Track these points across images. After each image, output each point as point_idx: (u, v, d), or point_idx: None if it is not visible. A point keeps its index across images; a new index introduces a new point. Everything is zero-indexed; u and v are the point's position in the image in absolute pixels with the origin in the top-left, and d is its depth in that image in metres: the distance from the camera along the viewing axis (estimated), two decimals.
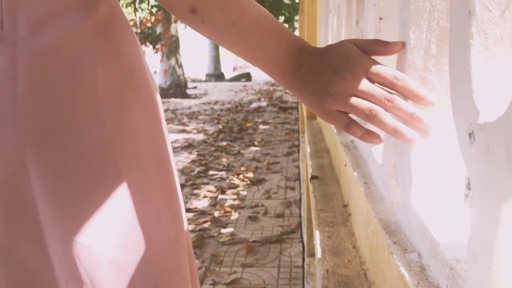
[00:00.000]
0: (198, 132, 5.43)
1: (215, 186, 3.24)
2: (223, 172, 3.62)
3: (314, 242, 0.77)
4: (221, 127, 5.69)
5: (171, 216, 0.54)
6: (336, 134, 1.05)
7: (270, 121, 6.12)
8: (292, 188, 3.16)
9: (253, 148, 4.48)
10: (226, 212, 2.73)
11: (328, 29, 1.67)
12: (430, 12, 0.47)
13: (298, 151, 4.20)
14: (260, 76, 15.20)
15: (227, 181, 3.38)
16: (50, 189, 0.45)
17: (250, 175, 3.52)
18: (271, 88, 10.87)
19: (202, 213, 2.74)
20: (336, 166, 1.08)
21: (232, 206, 2.82)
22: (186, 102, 8.51)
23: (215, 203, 2.90)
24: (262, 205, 2.84)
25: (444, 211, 0.45)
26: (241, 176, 3.46)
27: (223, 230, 2.47)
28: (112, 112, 0.47)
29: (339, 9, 1.37)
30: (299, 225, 2.50)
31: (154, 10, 8.23)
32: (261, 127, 5.69)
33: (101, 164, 0.47)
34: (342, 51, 0.49)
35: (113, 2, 0.50)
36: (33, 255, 0.47)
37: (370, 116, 0.46)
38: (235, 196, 3.03)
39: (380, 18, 0.64)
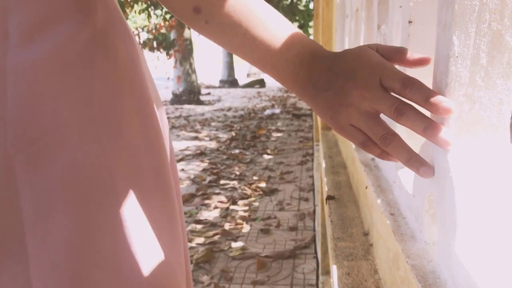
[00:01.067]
0: (211, 139, 5.37)
1: (227, 197, 3.15)
2: (235, 182, 3.53)
3: (331, 279, 0.68)
4: (234, 134, 5.62)
5: (171, 236, 0.49)
6: (355, 150, 0.95)
7: (284, 128, 6.02)
8: (306, 199, 3.05)
9: (266, 157, 4.39)
10: (237, 224, 2.63)
11: (345, 35, 1.57)
12: (480, 13, 0.37)
13: (312, 160, 4.09)
14: (274, 83, 15.13)
15: (239, 191, 3.29)
16: (40, 204, 0.41)
17: (263, 185, 3.42)
18: (285, 95, 10.78)
19: (213, 225, 2.65)
20: (354, 185, 0.99)
21: (243, 218, 2.73)
22: (199, 109, 8.46)
23: (226, 214, 2.81)
24: (275, 217, 2.74)
25: (504, 267, 0.36)
26: (253, 186, 3.37)
27: (233, 244, 2.37)
28: (108, 124, 0.44)
29: (357, 13, 1.27)
30: (313, 240, 2.40)
31: (168, 16, 8.22)
32: (275, 134, 5.59)
33: (95, 177, 0.43)
34: (359, 56, 0.45)
35: (112, 9, 0.48)
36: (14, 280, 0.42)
37: (385, 142, 0.42)
38: (246, 207, 2.93)
39: (410, 22, 0.54)
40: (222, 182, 3.53)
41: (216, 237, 2.47)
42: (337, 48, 1.67)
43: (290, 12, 13.27)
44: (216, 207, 2.95)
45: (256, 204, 3.01)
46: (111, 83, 0.45)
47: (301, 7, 14.24)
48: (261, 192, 3.24)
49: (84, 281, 0.42)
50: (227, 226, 2.63)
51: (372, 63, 0.43)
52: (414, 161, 0.41)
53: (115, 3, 0.49)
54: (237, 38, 0.46)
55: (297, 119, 6.84)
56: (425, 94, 0.40)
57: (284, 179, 3.57)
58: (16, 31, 0.40)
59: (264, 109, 8.08)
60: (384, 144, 0.42)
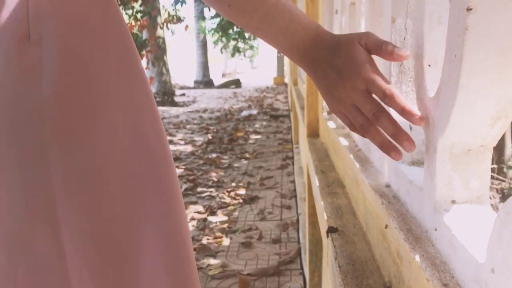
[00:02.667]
0: (186, 143, 5.15)
1: (204, 206, 2.96)
2: (212, 189, 3.34)
3: None
4: (210, 137, 5.41)
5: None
6: (360, 170, 0.78)
7: (262, 130, 5.85)
8: (289, 207, 2.89)
9: (245, 161, 4.21)
10: (216, 237, 2.45)
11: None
12: None
13: (293, 164, 3.94)
14: (249, 83, 14.98)
15: (217, 199, 3.10)
16: (71, 187, 0.47)
17: (242, 192, 3.24)
18: (262, 95, 10.62)
19: None
20: (359, 212, 0.82)
21: (222, 230, 2.54)
22: (173, 111, 8.21)
23: (204, 226, 2.62)
24: (256, 228, 2.56)
25: None
26: (232, 194, 3.18)
27: (212, 261, 2.18)
28: (128, 118, 0.52)
29: (352, 7, 1.11)
30: (298, 253, 2.23)
31: (139, 15, 7.93)
32: (253, 137, 5.42)
33: (120, 168, 0.51)
34: (348, 55, 0.50)
35: (127, 30, 0.56)
36: (49, 249, 0.48)
37: (363, 130, 0.51)
38: (226, 218, 2.75)
39: (469, 9, 0.38)
40: (199, 189, 3.33)
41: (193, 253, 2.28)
42: None
43: None
44: (193, 219, 2.75)
45: (236, 213, 2.82)
46: (129, 79, 0.54)
47: None
48: (240, 200, 3.06)
49: (112, 244, 0.50)
50: (205, 240, 2.44)
51: (360, 67, 0.49)
52: (387, 146, 0.49)
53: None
54: (253, 22, 0.53)
55: (275, 120, 6.68)
56: (401, 105, 0.46)
57: (265, 185, 3.40)
58: (52, 33, 0.46)
59: (240, 110, 7.90)
60: (363, 132, 0.51)
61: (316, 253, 1.76)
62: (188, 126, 6.33)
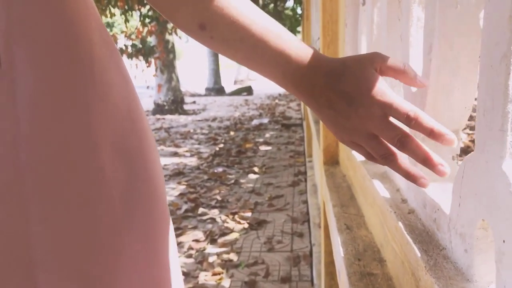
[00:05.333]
0: (192, 155, 4.82)
1: (204, 232, 2.61)
2: (215, 210, 2.99)
3: None
4: (217, 149, 5.08)
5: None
6: (421, 260, 0.43)
7: (272, 141, 5.50)
8: (301, 235, 2.52)
9: (253, 176, 3.86)
10: (215, 274, 2.09)
11: (360, 32, 1.06)
12: None
13: (305, 180, 3.57)
14: (261, 90, 14.65)
15: (219, 223, 2.75)
16: (51, 224, 0.43)
17: (248, 214, 2.89)
18: (274, 102, 10.27)
19: (185, 274, 2.11)
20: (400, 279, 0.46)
21: (223, 265, 2.19)
22: (182, 119, 7.92)
23: (202, 259, 2.27)
24: (262, 262, 2.20)
25: None
26: (236, 217, 2.83)
27: None
28: (111, 148, 0.46)
29: None
30: None
31: (147, 20, 7.67)
32: (262, 148, 5.07)
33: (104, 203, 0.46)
34: (359, 81, 0.44)
35: (109, 42, 0.50)
36: None
37: (385, 161, 0.45)
38: (228, 248, 2.40)
39: None
40: (200, 210, 2.98)
41: None
42: (346, 50, 1.16)
43: (277, 17, 12.84)
44: (191, 248, 2.40)
45: (240, 242, 2.47)
46: (110, 106, 0.47)
47: (288, 12, 13.83)
48: (246, 225, 2.70)
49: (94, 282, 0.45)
50: (202, 276, 2.09)
51: (373, 91, 0.43)
52: (413, 173, 0.44)
53: (109, 35, 0.51)
54: (240, 52, 0.48)
55: (287, 129, 6.32)
56: (429, 127, 0.42)
57: (274, 205, 3.04)
58: (23, 60, 0.42)
59: (251, 118, 7.56)
60: (385, 163, 0.46)
61: None
62: (195, 136, 6.01)
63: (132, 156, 0.48)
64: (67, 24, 0.44)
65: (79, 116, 0.44)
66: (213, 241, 2.49)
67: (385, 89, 0.44)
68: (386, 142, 0.45)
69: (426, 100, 0.54)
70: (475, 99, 0.43)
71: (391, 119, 0.44)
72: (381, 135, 0.44)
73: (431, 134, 0.41)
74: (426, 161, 0.43)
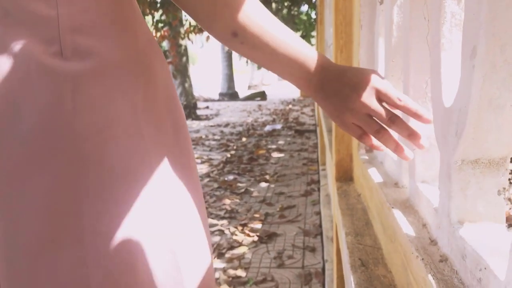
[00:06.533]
0: (203, 162, 4.72)
1: (212, 245, 2.49)
2: (224, 221, 2.88)
3: None
4: (229, 155, 4.97)
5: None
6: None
7: (285, 147, 5.37)
8: (313, 250, 2.39)
9: (264, 185, 3.73)
10: None
11: (378, 34, 0.93)
12: None
13: (318, 189, 3.44)
14: (275, 95, 14.54)
15: (228, 236, 2.63)
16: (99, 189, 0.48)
17: (258, 226, 2.76)
18: (287, 108, 10.14)
19: None
20: None
21: (230, 282, 2.07)
22: (195, 124, 7.84)
23: None
24: (272, 279, 2.08)
25: None
26: (246, 229, 2.71)
27: None
28: (152, 143, 0.52)
29: None
30: None
31: (160, 25, 7.62)
32: (275, 155, 4.94)
33: (139, 170, 0.51)
34: (359, 73, 0.57)
35: (149, 32, 0.57)
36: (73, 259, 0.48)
37: (378, 135, 0.56)
38: (236, 263, 2.27)
39: None
40: (209, 221, 2.87)
41: None
42: (361, 53, 1.03)
43: (291, 22, 12.73)
44: None
45: (249, 256, 2.35)
46: (153, 103, 0.54)
47: (302, 17, 13.70)
48: (255, 238, 2.58)
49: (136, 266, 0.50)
50: None
51: (369, 80, 0.56)
52: (400, 147, 0.56)
53: (148, 28, 0.58)
54: (265, 56, 0.59)
55: (300, 136, 6.18)
56: (413, 109, 0.54)
57: (285, 217, 2.91)
58: (69, 46, 0.46)
59: (264, 124, 7.44)
60: (378, 136, 0.56)
61: None
62: (207, 143, 5.91)
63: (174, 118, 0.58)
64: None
65: (122, 96, 0.50)
66: (220, 255, 2.37)
67: (380, 78, 0.56)
68: (378, 122, 0.56)
69: (467, 118, 0.42)
70: None
71: (384, 104, 0.56)
72: (375, 114, 0.55)
73: (415, 115, 0.54)
74: (410, 135, 0.55)
